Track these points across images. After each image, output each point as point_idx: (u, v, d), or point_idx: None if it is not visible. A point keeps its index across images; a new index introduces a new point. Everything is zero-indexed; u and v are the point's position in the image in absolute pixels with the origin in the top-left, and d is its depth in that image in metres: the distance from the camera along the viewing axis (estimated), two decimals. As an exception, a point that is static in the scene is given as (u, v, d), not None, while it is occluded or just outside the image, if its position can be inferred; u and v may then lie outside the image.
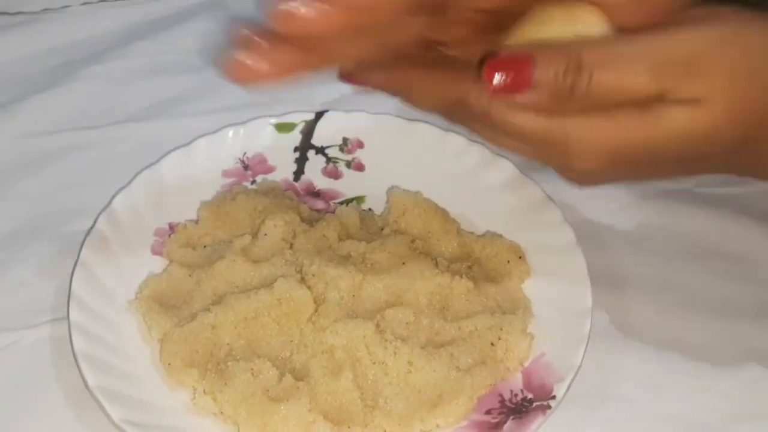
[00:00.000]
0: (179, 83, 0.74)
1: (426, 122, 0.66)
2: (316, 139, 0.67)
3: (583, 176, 0.49)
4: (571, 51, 0.45)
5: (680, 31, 0.46)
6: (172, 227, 0.63)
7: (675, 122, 0.46)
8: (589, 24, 0.47)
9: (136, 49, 0.76)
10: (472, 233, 0.62)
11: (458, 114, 0.50)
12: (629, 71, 0.45)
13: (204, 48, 0.77)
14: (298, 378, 0.54)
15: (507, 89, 0.46)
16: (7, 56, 0.76)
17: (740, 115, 0.46)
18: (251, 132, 0.67)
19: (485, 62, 0.46)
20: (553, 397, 0.52)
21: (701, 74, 0.45)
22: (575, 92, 0.45)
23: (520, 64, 0.46)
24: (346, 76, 0.52)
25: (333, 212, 0.63)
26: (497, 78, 0.46)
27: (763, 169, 0.51)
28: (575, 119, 0.46)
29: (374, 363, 0.54)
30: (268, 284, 0.57)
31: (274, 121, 0.67)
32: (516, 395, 0.54)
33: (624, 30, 0.47)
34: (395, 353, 0.54)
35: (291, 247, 0.60)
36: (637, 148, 0.47)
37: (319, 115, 0.68)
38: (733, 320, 0.58)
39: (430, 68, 0.50)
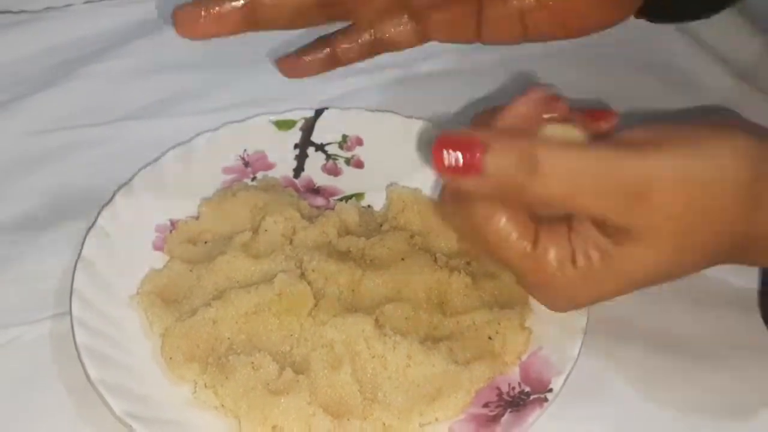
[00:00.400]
0: (180, 81, 0.74)
1: (425, 120, 0.67)
2: (316, 137, 0.68)
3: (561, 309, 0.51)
4: (526, 147, 0.44)
5: (632, 156, 0.44)
6: (173, 223, 0.63)
7: (626, 261, 0.46)
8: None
9: (137, 48, 0.77)
10: (470, 229, 0.62)
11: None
12: (577, 187, 0.44)
13: (204, 47, 0.77)
14: (298, 372, 0.54)
15: (455, 171, 0.44)
16: (10, 54, 0.76)
17: (690, 254, 0.46)
18: (251, 129, 0.67)
19: (436, 140, 0.45)
20: (550, 390, 0.53)
21: (642, 208, 0.44)
22: (524, 194, 0.45)
23: (472, 147, 0.44)
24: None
25: (332, 209, 0.64)
26: (446, 157, 0.44)
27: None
28: (535, 282, 0.48)
29: (373, 357, 0.55)
30: (268, 280, 0.57)
31: (274, 118, 0.68)
32: (513, 389, 0.54)
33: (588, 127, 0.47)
34: (394, 347, 0.55)
35: (291, 243, 0.61)
36: (598, 297, 0.49)
37: (318, 112, 0.68)
38: (726, 314, 0.59)
39: None
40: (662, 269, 0.47)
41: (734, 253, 0.48)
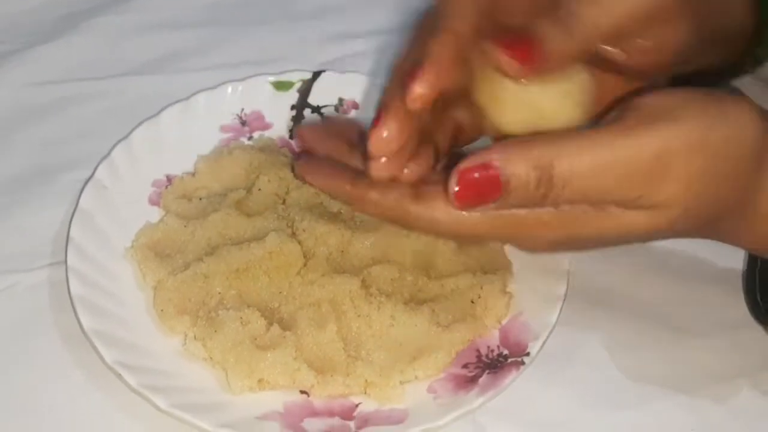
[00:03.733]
0: (181, 38, 0.75)
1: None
2: (313, 99, 0.69)
3: (534, 252, 0.50)
4: (543, 164, 0.44)
5: (647, 134, 0.44)
6: (169, 179, 0.64)
7: (632, 222, 0.46)
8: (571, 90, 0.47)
9: (140, 4, 0.77)
10: (459, 195, 0.63)
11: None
12: (598, 182, 0.44)
13: (207, 4, 0.78)
14: (285, 328, 0.55)
15: (474, 201, 0.45)
16: (13, 6, 0.76)
17: (694, 219, 0.46)
18: (250, 89, 0.68)
19: (452, 171, 0.44)
20: (528, 354, 0.54)
21: (663, 184, 0.44)
22: (547, 202, 0.45)
23: (489, 177, 0.44)
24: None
25: (326, 170, 0.65)
26: (463, 190, 0.44)
27: (725, 242, 0.51)
28: (522, 213, 0.46)
29: (359, 316, 0.56)
30: (260, 238, 0.58)
31: (272, 79, 0.68)
32: (492, 351, 0.56)
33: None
34: (379, 308, 0.56)
35: (284, 202, 0.62)
36: (587, 240, 0.47)
37: (316, 74, 0.69)
38: (705, 287, 0.60)
39: (362, 189, 0.48)
40: (659, 233, 0.47)
41: (723, 226, 0.48)
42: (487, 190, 0.44)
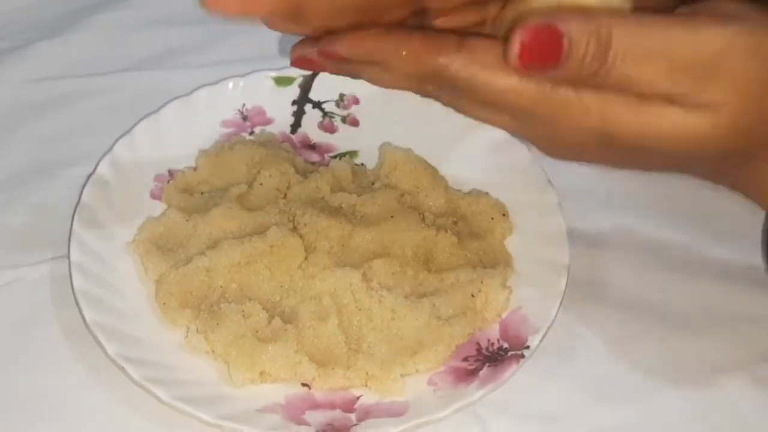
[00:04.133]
0: (183, 34, 0.75)
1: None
2: (314, 94, 0.69)
3: (564, 151, 0.47)
4: (602, 34, 0.42)
5: (705, 30, 0.43)
6: (171, 173, 0.65)
7: (674, 123, 0.43)
8: None
9: (139, 0, 0.77)
10: (459, 190, 0.63)
11: (433, 88, 0.46)
12: (650, 68, 0.42)
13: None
14: (286, 321, 0.56)
15: (534, 65, 0.42)
16: (12, 3, 0.77)
17: (745, 130, 0.44)
18: (251, 84, 0.68)
19: (514, 30, 0.42)
20: (527, 347, 0.55)
21: (715, 83, 0.43)
22: (596, 79, 0.43)
23: (553, 40, 0.42)
24: (301, 61, 0.48)
25: (327, 165, 0.65)
26: (528, 51, 0.42)
27: (754, 190, 0.49)
28: (567, 93, 0.43)
29: (359, 310, 0.56)
30: (261, 232, 0.59)
31: (273, 74, 0.69)
32: (492, 344, 0.56)
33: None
34: (380, 301, 0.56)
35: (285, 197, 0.62)
36: (627, 137, 0.44)
37: (317, 70, 0.69)
38: (705, 281, 0.60)
39: (404, 38, 0.45)
40: (700, 146, 0.44)
41: (756, 165, 0.46)
42: (550, 52, 0.42)
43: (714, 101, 0.43)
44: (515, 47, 0.42)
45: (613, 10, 0.44)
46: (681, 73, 0.42)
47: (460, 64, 0.44)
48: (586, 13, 0.43)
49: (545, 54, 0.42)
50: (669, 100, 0.43)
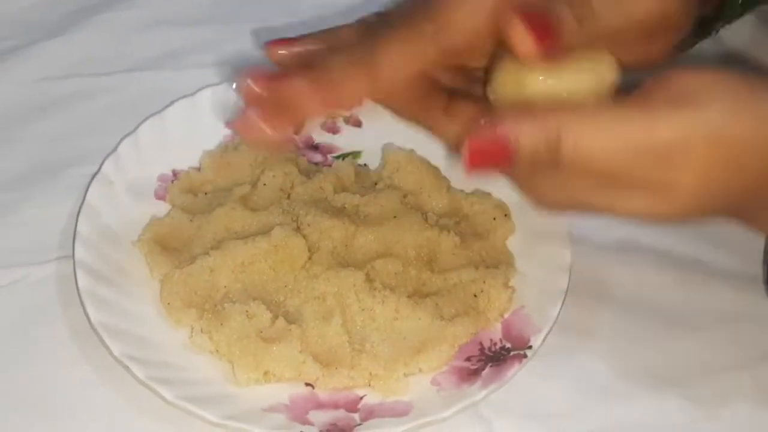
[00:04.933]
0: (187, 34, 0.75)
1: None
2: (317, 94, 0.69)
3: (552, 206, 0.49)
4: (550, 128, 0.43)
5: (668, 118, 0.43)
6: (175, 174, 0.65)
7: (637, 206, 0.45)
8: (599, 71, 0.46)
9: (143, 0, 0.77)
10: (461, 191, 0.64)
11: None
12: (606, 158, 0.43)
13: (210, 1, 0.78)
14: (290, 321, 0.56)
15: (485, 166, 0.45)
16: (16, 3, 0.77)
17: (710, 205, 0.45)
18: (254, 85, 0.69)
19: (465, 141, 0.44)
20: (530, 347, 0.55)
21: (677, 172, 0.43)
22: (552, 167, 0.44)
23: (503, 150, 0.44)
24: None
25: (330, 165, 0.65)
26: (477, 163, 0.44)
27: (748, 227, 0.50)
28: (538, 181, 0.46)
29: (363, 309, 0.57)
30: (265, 232, 0.59)
31: (277, 75, 0.69)
32: (495, 344, 0.56)
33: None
34: (383, 301, 0.56)
35: (288, 197, 0.62)
36: (593, 209, 0.47)
37: (320, 71, 0.69)
38: (705, 282, 0.61)
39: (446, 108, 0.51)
40: (671, 217, 0.46)
41: (737, 210, 0.47)
42: (498, 159, 0.44)
43: (674, 182, 0.44)
44: (465, 156, 0.44)
45: (578, 101, 0.46)
46: (639, 165, 0.43)
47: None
48: (535, 113, 0.44)
49: (495, 159, 0.44)
50: (629, 184, 0.44)
